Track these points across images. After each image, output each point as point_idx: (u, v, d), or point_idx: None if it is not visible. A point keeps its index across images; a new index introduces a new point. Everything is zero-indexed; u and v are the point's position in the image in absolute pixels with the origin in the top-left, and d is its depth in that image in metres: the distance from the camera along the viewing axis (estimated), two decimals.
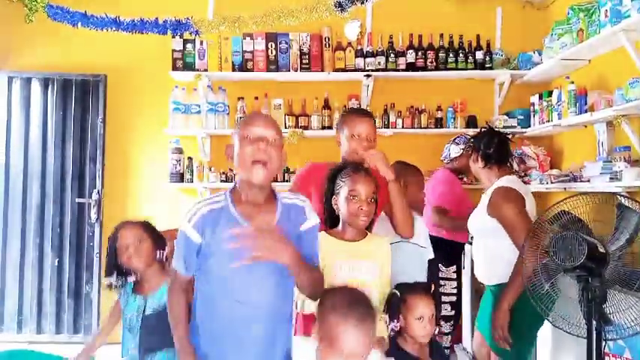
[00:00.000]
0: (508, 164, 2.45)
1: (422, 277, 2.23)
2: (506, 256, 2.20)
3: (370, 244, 1.94)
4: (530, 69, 3.88)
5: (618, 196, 1.85)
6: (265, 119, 1.64)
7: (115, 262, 2.07)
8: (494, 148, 2.38)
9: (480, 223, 2.36)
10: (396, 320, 1.83)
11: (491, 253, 2.33)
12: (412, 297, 1.85)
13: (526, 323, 2.18)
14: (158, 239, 2.12)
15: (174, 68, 3.96)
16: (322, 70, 4.02)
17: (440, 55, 4.00)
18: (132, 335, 2.06)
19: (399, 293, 1.87)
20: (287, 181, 3.96)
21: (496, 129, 2.61)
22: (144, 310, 2.03)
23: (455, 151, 3.46)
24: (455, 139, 3.54)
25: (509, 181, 2.34)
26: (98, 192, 4.16)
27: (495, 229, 2.26)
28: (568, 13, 3.37)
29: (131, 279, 2.13)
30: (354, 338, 1.25)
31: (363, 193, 1.87)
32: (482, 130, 2.52)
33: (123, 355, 2.12)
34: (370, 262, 1.89)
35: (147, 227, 2.11)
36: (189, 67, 3.96)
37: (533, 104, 3.82)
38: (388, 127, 4.00)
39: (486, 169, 2.40)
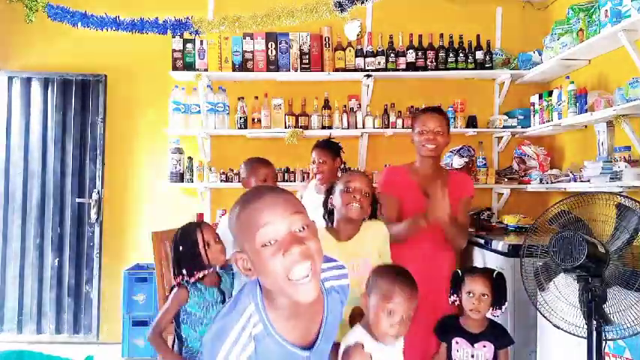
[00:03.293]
0: None
1: None
2: None
3: (363, 239, 2.01)
4: (530, 69, 3.88)
5: (618, 196, 1.85)
6: (272, 205, 1.09)
7: (197, 256, 2.11)
8: None
9: None
10: (455, 295, 2.08)
11: None
12: (467, 275, 2.08)
13: None
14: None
15: (174, 68, 3.96)
16: (322, 70, 4.02)
17: (440, 55, 3.99)
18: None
19: (460, 272, 2.09)
20: (287, 180, 3.97)
21: None
22: (223, 299, 2.13)
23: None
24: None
25: None
26: (98, 192, 4.16)
27: None
28: (568, 13, 3.38)
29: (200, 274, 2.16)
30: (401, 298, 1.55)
31: (357, 186, 1.96)
32: None
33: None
34: (365, 259, 1.95)
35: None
36: (189, 67, 3.97)
37: (533, 104, 3.81)
38: (388, 127, 4.00)
39: None
